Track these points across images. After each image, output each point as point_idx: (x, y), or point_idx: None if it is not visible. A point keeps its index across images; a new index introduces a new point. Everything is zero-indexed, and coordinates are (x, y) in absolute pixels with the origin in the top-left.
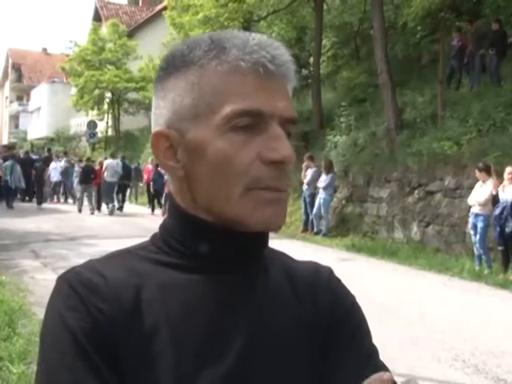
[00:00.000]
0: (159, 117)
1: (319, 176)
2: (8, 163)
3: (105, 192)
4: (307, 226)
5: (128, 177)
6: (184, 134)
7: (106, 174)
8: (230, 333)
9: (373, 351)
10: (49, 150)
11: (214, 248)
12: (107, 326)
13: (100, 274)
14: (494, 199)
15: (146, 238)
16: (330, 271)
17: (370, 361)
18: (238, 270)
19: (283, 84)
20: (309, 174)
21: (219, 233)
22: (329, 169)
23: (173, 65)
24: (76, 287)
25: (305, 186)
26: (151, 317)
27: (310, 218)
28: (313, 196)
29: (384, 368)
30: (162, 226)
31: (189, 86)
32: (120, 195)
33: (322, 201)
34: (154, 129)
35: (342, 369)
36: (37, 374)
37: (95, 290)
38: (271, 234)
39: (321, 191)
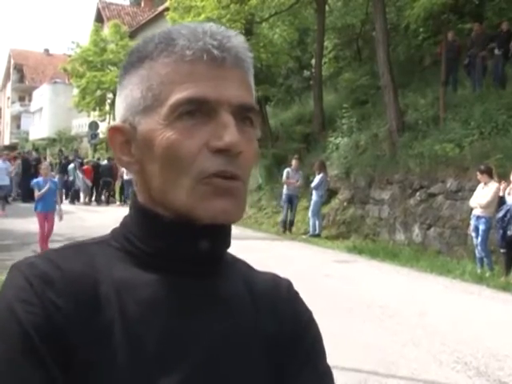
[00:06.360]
0: (117, 115)
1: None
2: (72, 166)
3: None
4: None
5: (111, 175)
6: (136, 128)
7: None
8: (189, 337)
9: (327, 372)
10: (60, 151)
11: (170, 245)
12: (61, 322)
13: (57, 266)
14: (500, 201)
15: None
16: (289, 284)
17: (324, 381)
18: (197, 271)
19: (237, 71)
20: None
21: (175, 229)
22: (320, 169)
23: (130, 62)
24: (31, 279)
25: (312, 191)
26: (107, 314)
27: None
28: None
29: None
30: (123, 222)
31: (139, 80)
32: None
33: (311, 201)
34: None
35: None
36: None
37: (51, 283)
38: (273, 236)
39: (313, 192)
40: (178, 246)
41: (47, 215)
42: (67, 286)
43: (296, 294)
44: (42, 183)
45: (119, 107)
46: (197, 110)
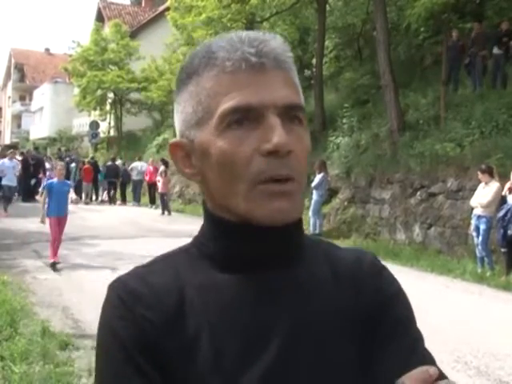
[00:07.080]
0: (176, 131)
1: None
2: (74, 165)
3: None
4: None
5: (116, 175)
6: (193, 141)
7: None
8: (271, 330)
9: (417, 339)
10: (59, 150)
11: (238, 246)
12: (153, 333)
13: (144, 281)
14: (502, 200)
15: (148, 238)
16: (373, 258)
17: (415, 350)
18: (274, 265)
19: (278, 73)
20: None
21: (239, 231)
22: (321, 169)
23: (180, 80)
24: (123, 296)
25: (312, 190)
26: (193, 320)
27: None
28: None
29: (429, 357)
30: (200, 229)
31: (189, 96)
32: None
33: (312, 201)
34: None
35: (387, 358)
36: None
37: (140, 298)
38: None
39: (313, 191)
40: (246, 247)
41: (60, 220)
42: (154, 299)
43: (381, 267)
44: (57, 185)
45: (177, 124)
46: (244, 118)
